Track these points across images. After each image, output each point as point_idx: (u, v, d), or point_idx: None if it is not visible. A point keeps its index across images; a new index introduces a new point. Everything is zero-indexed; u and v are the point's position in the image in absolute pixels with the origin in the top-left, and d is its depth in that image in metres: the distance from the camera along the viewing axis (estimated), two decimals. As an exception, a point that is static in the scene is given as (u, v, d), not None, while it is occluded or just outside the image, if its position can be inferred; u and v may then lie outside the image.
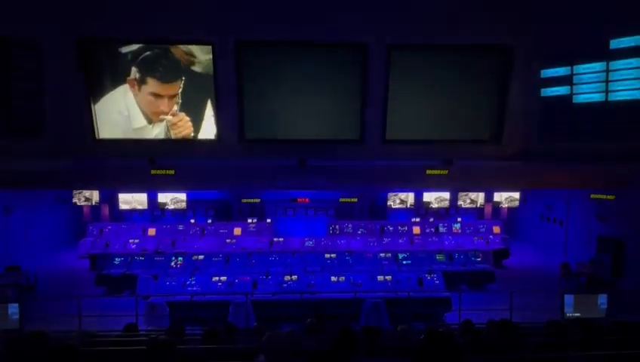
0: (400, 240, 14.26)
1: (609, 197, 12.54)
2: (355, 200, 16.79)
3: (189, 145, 10.19)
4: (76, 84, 9.80)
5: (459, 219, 15.90)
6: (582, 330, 4.48)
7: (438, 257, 12.54)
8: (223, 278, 10.51)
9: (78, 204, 14.80)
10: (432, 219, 15.95)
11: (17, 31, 8.98)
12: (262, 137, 9.98)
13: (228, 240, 14.21)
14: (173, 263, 11.93)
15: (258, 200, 16.64)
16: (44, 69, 9.47)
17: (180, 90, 9.49)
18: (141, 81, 9.50)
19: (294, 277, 10.57)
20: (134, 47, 9.34)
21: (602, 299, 7.04)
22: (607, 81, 9.29)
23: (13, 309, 6.95)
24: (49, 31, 9.44)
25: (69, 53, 9.52)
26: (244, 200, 16.65)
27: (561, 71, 9.92)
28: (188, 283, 10.35)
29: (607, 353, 3.84)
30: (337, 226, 15.27)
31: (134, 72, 9.46)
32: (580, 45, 9.55)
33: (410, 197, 15.20)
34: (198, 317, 9.16)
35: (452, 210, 16.63)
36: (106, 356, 4.55)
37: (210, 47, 9.36)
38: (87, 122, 10.12)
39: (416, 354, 1.84)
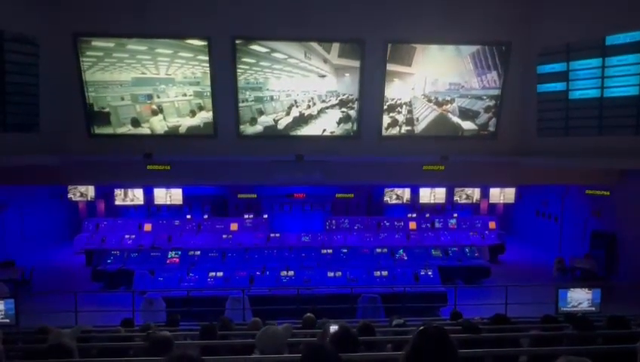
0: (396, 236, 14.30)
1: (604, 192, 12.61)
2: (352, 195, 16.80)
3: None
4: (71, 79, 9.73)
5: (455, 215, 15.96)
6: (576, 324, 4.52)
7: (434, 252, 12.59)
8: (220, 274, 10.51)
9: (74, 199, 14.73)
10: (428, 215, 15.99)
11: (11, 25, 8.88)
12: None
13: (224, 236, 14.19)
14: (169, 259, 11.90)
15: (254, 196, 16.60)
16: (39, 63, 9.38)
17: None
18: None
19: (291, 272, 10.59)
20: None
21: (596, 294, 7.10)
22: (602, 77, 9.31)
23: (9, 305, 6.93)
24: (44, 25, 9.35)
25: (64, 47, 9.44)
26: (241, 196, 16.61)
27: (557, 67, 9.94)
28: (184, 278, 10.35)
29: (601, 347, 3.88)
30: (334, 222, 15.28)
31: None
32: (576, 42, 9.56)
33: (406, 193, 15.23)
34: (195, 312, 9.17)
35: (448, 206, 16.68)
36: (102, 351, 4.55)
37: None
38: (82, 117, 10.06)
39: (408, 352, 1.84)
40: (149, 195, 14.78)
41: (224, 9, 9.52)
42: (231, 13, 9.55)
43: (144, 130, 10.25)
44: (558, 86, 9.98)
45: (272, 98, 10.17)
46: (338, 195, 16.68)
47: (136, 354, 4.21)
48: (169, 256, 11.93)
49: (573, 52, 9.61)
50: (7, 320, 6.81)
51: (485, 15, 9.90)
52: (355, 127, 10.54)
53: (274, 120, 10.37)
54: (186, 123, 10.27)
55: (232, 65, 9.73)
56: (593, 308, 7.02)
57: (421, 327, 1.91)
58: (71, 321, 8.06)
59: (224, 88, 9.96)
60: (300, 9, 9.52)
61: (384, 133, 10.61)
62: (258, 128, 10.44)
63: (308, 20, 9.59)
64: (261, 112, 10.28)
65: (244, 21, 9.61)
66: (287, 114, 10.32)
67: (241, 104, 10.10)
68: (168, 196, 14.80)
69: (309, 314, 6.28)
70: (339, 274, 10.55)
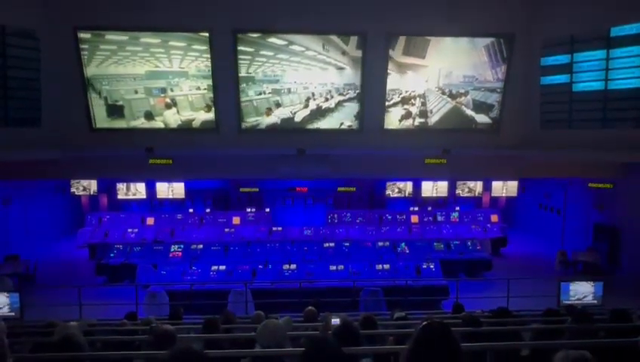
0: (398, 229, 14.29)
1: (607, 185, 12.55)
2: (354, 189, 16.77)
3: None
4: (72, 74, 9.71)
5: (457, 208, 15.93)
6: (577, 318, 4.52)
7: (436, 246, 12.58)
8: (222, 267, 10.54)
9: (77, 193, 14.77)
10: (430, 208, 15.97)
11: (12, 19, 8.85)
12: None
13: (227, 230, 14.22)
14: (172, 252, 11.94)
15: (256, 190, 16.59)
16: (40, 58, 9.36)
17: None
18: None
19: (293, 265, 10.62)
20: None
21: (598, 287, 7.10)
22: (607, 69, 9.23)
23: (14, 298, 6.98)
24: (44, 19, 9.32)
25: (65, 41, 9.41)
26: (243, 190, 16.61)
27: (561, 59, 9.85)
28: (187, 272, 10.39)
29: (602, 340, 3.88)
30: (336, 215, 15.28)
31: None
32: (580, 33, 9.47)
33: (408, 186, 15.20)
34: (198, 305, 9.21)
35: (450, 199, 16.66)
36: (107, 344, 4.59)
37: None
38: (84, 112, 10.06)
39: (411, 346, 1.83)
40: (151, 189, 14.80)
41: (224, 2, 9.46)
42: (231, 6, 9.48)
43: (157, 123, 10.25)
44: (562, 78, 9.90)
45: (289, 90, 10.13)
46: (340, 189, 16.66)
47: (141, 347, 4.24)
48: (172, 250, 11.96)
49: (577, 44, 9.51)
50: (12, 314, 6.88)
51: (488, 7, 9.81)
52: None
53: (291, 112, 10.34)
54: (200, 117, 10.26)
55: (233, 58, 9.69)
56: (595, 301, 7.03)
57: (424, 322, 1.91)
58: (75, 315, 8.12)
59: (225, 82, 9.93)
60: (300, 2, 9.45)
61: (398, 125, 10.55)
62: (274, 120, 10.42)
63: (308, 13, 9.51)
64: (278, 104, 10.25)
65: (244, 14, 9.54)
66: (305, 106, 10.28)
67: (258, 96, 10.08)
68: (170, 190, 14.82)
69: (310, 307, 6.29)
70: (341, 267, 10.57)
